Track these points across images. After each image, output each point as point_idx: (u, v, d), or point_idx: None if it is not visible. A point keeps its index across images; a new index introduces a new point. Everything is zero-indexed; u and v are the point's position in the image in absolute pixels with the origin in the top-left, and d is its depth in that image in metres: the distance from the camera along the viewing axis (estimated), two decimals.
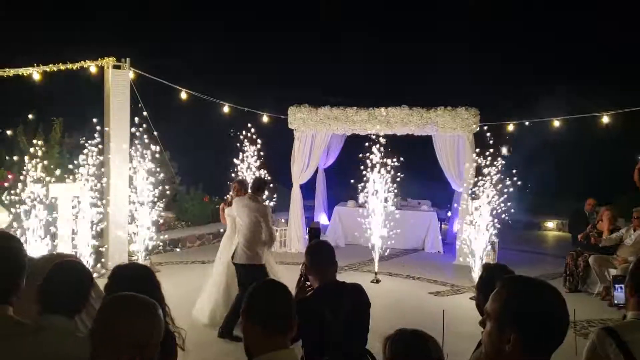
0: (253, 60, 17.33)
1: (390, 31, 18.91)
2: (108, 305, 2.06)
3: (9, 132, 8.82)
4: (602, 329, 2.58)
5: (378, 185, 9.38)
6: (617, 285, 3.33)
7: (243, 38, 17.08)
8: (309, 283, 3.59)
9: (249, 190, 6.78)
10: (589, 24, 16.47)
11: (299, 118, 11.39)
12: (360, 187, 9.67)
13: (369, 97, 12.49)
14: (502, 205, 8.97)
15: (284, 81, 16.51)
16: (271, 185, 10.18)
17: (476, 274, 8.71)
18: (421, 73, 17.34)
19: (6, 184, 9.21)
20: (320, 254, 3.43)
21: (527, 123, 11.73)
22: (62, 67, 8.28)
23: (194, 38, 16.09)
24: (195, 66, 14.86)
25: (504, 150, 9.61)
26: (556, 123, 11.15)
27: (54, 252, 6.77)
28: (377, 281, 9.30)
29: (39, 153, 7.78)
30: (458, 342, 5.28)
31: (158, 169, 9.04)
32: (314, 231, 6.01)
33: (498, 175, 8.95)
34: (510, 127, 11.58)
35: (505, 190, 8.98)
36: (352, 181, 9.84)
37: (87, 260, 8.40)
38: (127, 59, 9.39)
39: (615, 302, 3.31)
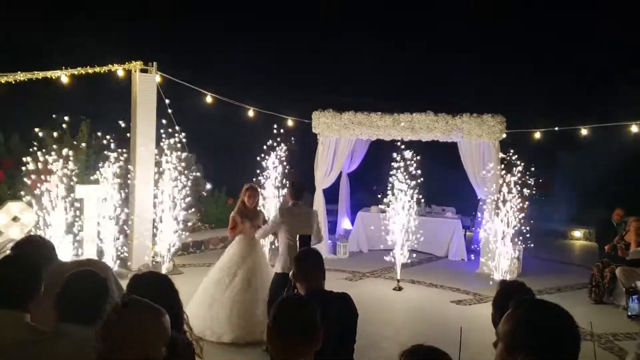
0: (279, 62, 17.37)
1: (397, 32, 18.78)
2: (114, 311, 2.09)
3: (39, 133, 8.98)
4: None
5: (401, 192, 9.32)
6: (632, 297, 3.27)
7: (266, 39, 17.12)
8: (297, 291, 3.59)
9: (292, 197, 6.45)
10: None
11: (323, 123, 11.38)
12: (382, 194, 9.62)
13: (398, 99, 12.46)
14: (526, 213, 8.83)
15: (307, 84, 16.51)
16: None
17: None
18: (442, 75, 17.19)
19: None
20: (307, 262, 3.44)
21: (556, 128, 11.53)
22: (90, 70, 8.42)
23: (219, 41, 16.21)
24: (221, 69, 14.96)
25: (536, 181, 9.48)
26: (584, 131, 10.95)
27: (84, 258, 6.90)
28: (399, 289, 9.23)
29: (68, 154, 7.93)
30: (481, 352, 5.21)
31: (185, 172, 9.14)
32: (304, 239, 6.00)
33: (520, 183, 8.84)
34: (537, 135, 11.39)
35: (529, 195, 8.84)
36: (374, 187, 9.78)
37: (112, 261, 8.54)
38: (154, 63, 9.51)
39: (629, 313, 3.25)
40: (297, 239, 5.98)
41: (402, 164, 9.29)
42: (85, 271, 2.68)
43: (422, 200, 10.53)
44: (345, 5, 18.08)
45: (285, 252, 6.19)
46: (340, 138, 11.52)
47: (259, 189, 7.20)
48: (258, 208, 7.15)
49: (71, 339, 2.38)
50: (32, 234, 7.28)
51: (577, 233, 14.85)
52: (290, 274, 3.66)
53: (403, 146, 9.46)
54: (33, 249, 3.33)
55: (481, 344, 5.14)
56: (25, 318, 2.55)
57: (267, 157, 10.07)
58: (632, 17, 15.17)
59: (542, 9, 17.87)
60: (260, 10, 17.53)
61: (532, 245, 9.80)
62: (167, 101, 9.50)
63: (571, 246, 14.28)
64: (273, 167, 10.00)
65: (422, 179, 9.56)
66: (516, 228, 9.02)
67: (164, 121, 9.20)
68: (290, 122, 12.38)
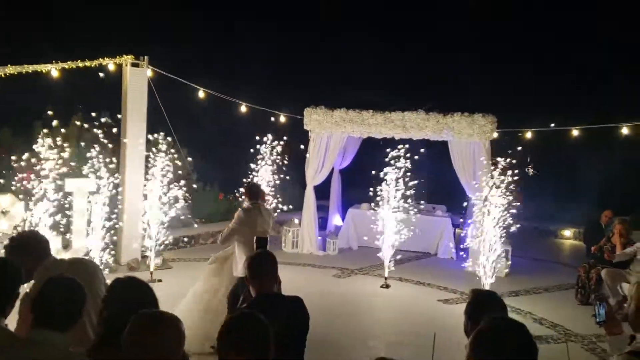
0: (272, 58, 17.37)
1: (397, 32, 18.81)
2: (136, 323, 2.19)
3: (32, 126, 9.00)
4: (629, 354, 2.63)
5: (390, 189, 9.33)
6: (600, 304, 3.32)
7: (261, 36, 17.11)
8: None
9: (250, 198, 6.56)
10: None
11: (315, 119, 11.39)
12: (373, 191, 9.64)
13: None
14: (512, 211, 8.84)
15: (300, 81, 16.54)
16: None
17: (485, 282, 8.65)
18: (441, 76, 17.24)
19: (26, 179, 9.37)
20: (261, 265, 3.41)
21: (552, 124, 11.55)
22: (81, 64, 8.40)
23: (212, 35, 16.22)
24: (213, 64, 14.97)
25: (530, 171, 9.51)
26: (575, 132, 10.99)
27: (77, 257, 6.89)
28: (387, 286, 9.29)
29: (58, 145, 7.93)
30: (463, 352, 5.25)
31: (173, 165, 9.13)
32: (261, 241, 6.01)
33: (509, 181, 8.87)
34: (529, 135, 11.43)
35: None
36: (370, 190, 9.78)
37: (101, 255, 8.55)
38: (146, 57, 9.50)
39: (597, 320, 3.30)
40: (254, 240, 6.01)
41: (393, 161, 9.30)
42: (62, 277, 2.70)
43: (412, 198, 10.53)
44: (344, 5, 18.10)
45: (248, 253, 6.06)
46: (332, 135, 11.54)
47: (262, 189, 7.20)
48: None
49: (44, 345, 2.40)
50: (25, 229, 7.24)
51: (567, 232, 14.95)
52: (244, 277, 3.63)
53: (401, 147, 9.42)
54: (21, 249, 3.35)
55: (462, 344, 5.19)
56: (1, 322, 2.58)
57: (259, 155, 10.16)
58: (632, 17, 15.22)
59: (543, 9, 17.92)
60: (259, 10, 17.53)
61: (521, 243, 9.80)
62: (157, 99, 9.48)
63: (561, 245, 14.37)
64: (264, 164, 10.08)
65: (410, 175, 9.56)
66: (505, 227, 9.03)
67: (154, 117, 9.18)
68: (282, 119, 12.39)
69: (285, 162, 10.52)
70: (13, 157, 8.25)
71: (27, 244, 3.39)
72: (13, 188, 8.61)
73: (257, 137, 10.41)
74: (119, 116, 9.35)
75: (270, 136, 10.34)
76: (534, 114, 12.56)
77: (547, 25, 17.64)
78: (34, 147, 7.76)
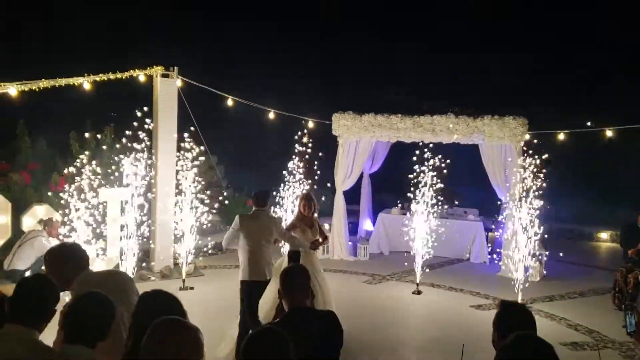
0: (300, 64, 17.48)
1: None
2: (155, 328, 2.24)
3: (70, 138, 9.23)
4: None
5: (422, 193, 9.26)
6: (630, 313, 3.20)
7: (290, 44, 17.24)
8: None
9: (254, 204, 6.53)
10: None
11: (343, 125, 11.38)
12: (404, 194, 9.59)
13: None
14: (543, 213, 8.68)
15: (330, 85, 16.59)
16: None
17: (518, 289, 8.52)
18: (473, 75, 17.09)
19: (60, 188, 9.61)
20: (292, 280, 3.39)
21: (589, 122, 11.34)
22: (112, 76, 8.57)
23: (240, 44, 16.40)
24: (241, 73, 15.12)
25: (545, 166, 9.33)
26: (609, 133, 10.75)
27: (110, 269, 7.13)
28: (419, 292, 9.21)
29: (89, 159, 8.11)
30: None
31: (204, 175, 9.25)
32: (293, 254, 5.96)
33: (541, 184, 8.72)
34: (561, 136, 11.21)
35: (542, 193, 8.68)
36: (400, 194, 9.72)
37: (134, 263, 8.70)
38: (175, 68, 9.64)
39: (628, 330, 3.18)
40: (288, 254, 5.93)
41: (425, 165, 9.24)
42: (93, 293, 2.76)
43: (444, 202, 10.40)
44: (361, 9, 18.11)
45: (245, 259, 6.18)
46: (361, 140, 11.51)
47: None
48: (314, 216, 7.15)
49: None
50: (65, 242, 7.39)
51: (604, 235, 14.59)
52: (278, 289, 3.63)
53: (428, 151, 9.35)
54: (61, 261, 3.43)
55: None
56: (36, 336, 2.66)
57: (290, 164, 10.18)
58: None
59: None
60: (282, 19, 17.66)
61: (557, 247, 9.59)
62: (187, 108, 9.62)
63: (597, 248, 14.03)
64: (294, 172, 10.10)
65: (443, 180, 9.49)
66: (538, 230, 8.85)
67: (185, 126, 9.32)
68: (311, 124, 12.41)
69: (309, 181, 10.46)
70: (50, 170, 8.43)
71: (68, 256, 3.47)
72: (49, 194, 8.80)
73: (286, 144, 10.43)
74: (147, 125, 9.44)
75: (296, 158, 10.28)
76: (566, 113, 12.34)
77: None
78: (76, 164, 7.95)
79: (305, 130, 10.99)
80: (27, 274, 7.51)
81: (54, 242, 7.74)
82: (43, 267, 3.78)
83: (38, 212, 8.96)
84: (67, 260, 3.42)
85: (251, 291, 6.07)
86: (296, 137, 10.44)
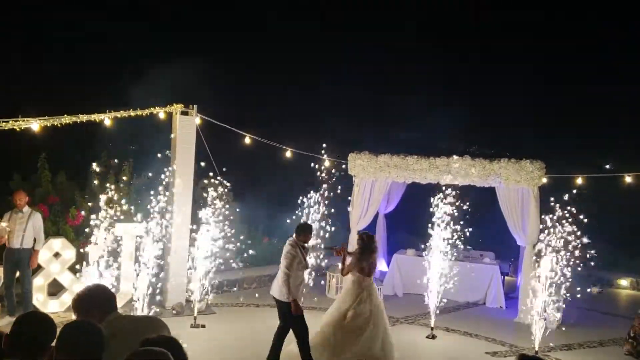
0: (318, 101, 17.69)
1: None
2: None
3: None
4: None
5: (438, 236, 9.17)
6: None
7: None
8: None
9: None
10: None
11: (359, 165, 11.41)
12: (418, 236, 9.52)
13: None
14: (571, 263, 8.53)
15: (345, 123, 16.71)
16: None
17: (535, 335, 8.32)
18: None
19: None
20: None
21: (608, 165, 11.23)
22: (132, 113, 8.71)
23: (253, 87, 16.70)
24: (263, 112, 15.31)
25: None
26: (628, 179, 10.63)
27: (143, 315, 7.66)
28: (433, 337, 9.04)
29: (112, 194, 8.17)
30: None
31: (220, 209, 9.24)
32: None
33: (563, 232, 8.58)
34: (579, 181, 11.09)
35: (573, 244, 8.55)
36: (414, 235, 9.67)
37: (145, 299, 8.64)
38: (195, 105, 9.77)
39: None
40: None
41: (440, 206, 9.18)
42: (81, 322, 2.95)
43: (460, 244, 10.29)
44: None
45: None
46: (376, 180, 11.50)
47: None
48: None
49: None
50: (91, 285, 7.39)
51: (624, 282, 14.30)
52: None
53: (446, 191, 9.32)
54: (88, 303, 3.44)
55: None
56: None
57: (305, 199, 10.32)
58: None
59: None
60: (302, 63, 17.97)
61: (576, 293, 9.37)
62: (206, 146, 9.76)
63: (616, 295, 13.74)
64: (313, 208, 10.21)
65: (461, 222, 9.41)
66: (559, 275, 8.66)
67: (202, 163, 9.42)
68: (327, 163, 12.44)
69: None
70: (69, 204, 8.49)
71: (94, 298, 3.44)
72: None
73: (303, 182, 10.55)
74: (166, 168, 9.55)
75: (312, 197, 10.53)
76: (583, 157, 12.25)
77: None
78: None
79: (323, 167, 11.16)
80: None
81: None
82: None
83: (54, 246, 9.03)
84: (94, 302, 3.42)
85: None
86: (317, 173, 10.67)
